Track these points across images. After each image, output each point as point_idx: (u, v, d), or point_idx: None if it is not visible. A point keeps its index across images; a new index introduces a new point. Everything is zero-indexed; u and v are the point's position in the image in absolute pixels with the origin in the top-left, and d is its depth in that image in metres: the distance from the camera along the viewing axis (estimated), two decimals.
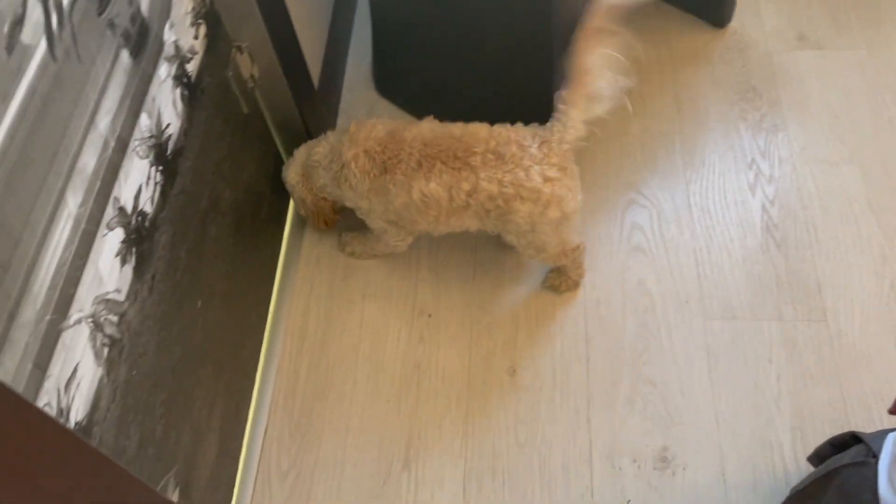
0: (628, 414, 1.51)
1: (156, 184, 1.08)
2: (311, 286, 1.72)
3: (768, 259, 1.68)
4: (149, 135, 1.06)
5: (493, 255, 1.72)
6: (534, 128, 1.39)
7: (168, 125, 1.12)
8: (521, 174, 1.32)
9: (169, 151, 1.13)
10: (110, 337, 0.95)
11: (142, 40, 1.05)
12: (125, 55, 0.99)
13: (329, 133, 1.53)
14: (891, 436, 1.00)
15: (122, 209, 0.98)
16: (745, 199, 1.78)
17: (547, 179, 1.33)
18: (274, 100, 1.59)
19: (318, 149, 1.50)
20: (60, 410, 0.84)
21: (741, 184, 1.80)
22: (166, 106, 1.12)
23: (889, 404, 1.10)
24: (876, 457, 0.99)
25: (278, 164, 1.72)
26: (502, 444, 1.49)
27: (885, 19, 2.08)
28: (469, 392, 1.56)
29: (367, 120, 1.44)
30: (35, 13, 0.80)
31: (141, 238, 1.04)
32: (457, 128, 1.39)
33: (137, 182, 1.03)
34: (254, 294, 1.56)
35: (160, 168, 1.10)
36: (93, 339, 0.91)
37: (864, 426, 1.45)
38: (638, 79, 1.98)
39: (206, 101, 1.27)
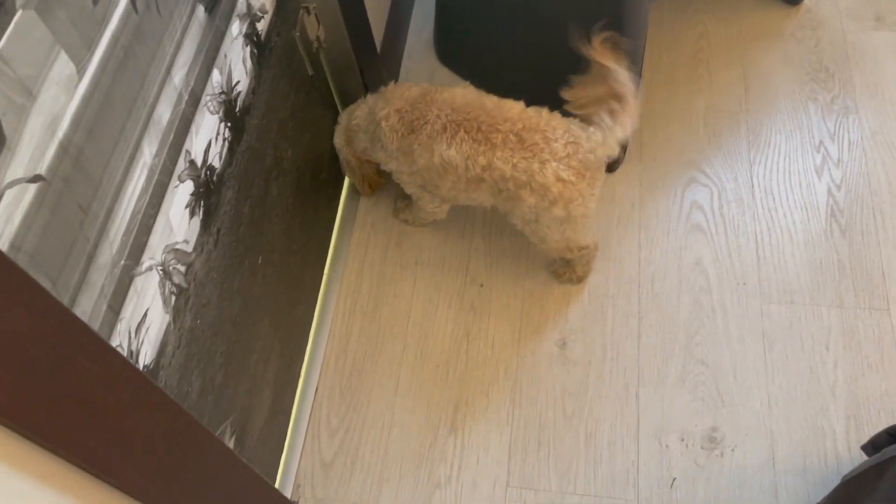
0: (678, 392, 1.50)
1: (224, 139, 1.11)
2: (366, 250, 1.73)
3: (831, 244, 1.64)
4: (220, 91, 1.08)
5: None
6: (571, 122, 1.34)
7: (238, 82, 1.14)
8: (536, 165, 1.30)
9: (238, 108, 1.15)
10: (177, 286, 0.98)
11: None
12: (200, 10, 1.01)
13: (368, 96, 1.53)
14: None
15: (192, 162, 1.01)
16: (810, 182, 1.73)
17: (559, 179, 1.30)
18: (337, 63, 1.60)
19: (358, 112, 1.50)
20: (131, 352, 0.87)
21: (807, 166, 1.76)
22: (236, 63, 1.14)
23: None
24: None
25: None
26: (549, 416, 1.50)
27: None
28: (518, 362, 1.56)
29: (403, 82, 1.46)
30: None
31: (209, 192, 1.06)
32: (490, 100, 1.37)
33: (207, 137, 1.05)
34: (310, 254, 1.58)
35: (229, 124, 1.12)
36: (162, 286, 0.94)
37: None
38: (707, 55, 1.95)
39: (274, 61, 1.29)
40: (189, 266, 1.01)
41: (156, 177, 0.91)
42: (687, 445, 1.44)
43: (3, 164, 0.65)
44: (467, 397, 1.53)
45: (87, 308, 0.78)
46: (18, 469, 0.68)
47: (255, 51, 1.21)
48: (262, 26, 1.23)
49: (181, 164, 0.98)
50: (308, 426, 1.52)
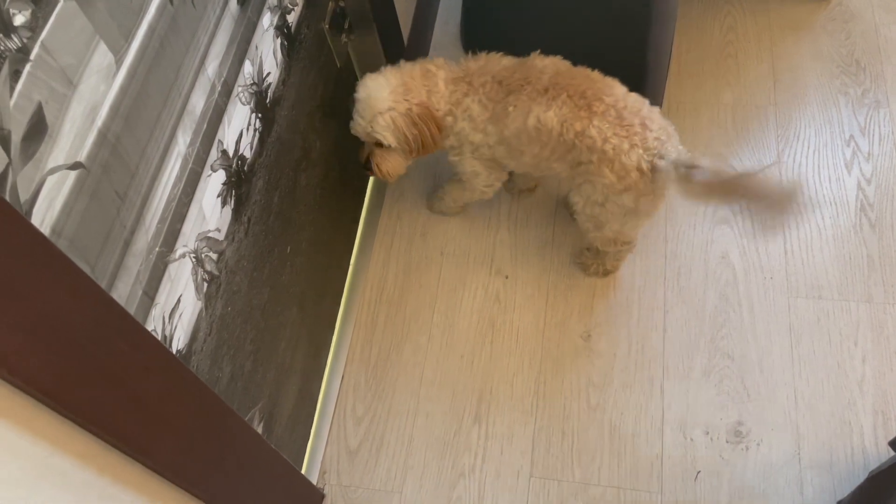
0: (703, 386, 1.49)
1: (255, 130, 1.12)
2: (392, 240, 1.75)
3: (860, 239, 1.63)
4: (251, 82, 1.09)
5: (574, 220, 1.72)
6: (670, 123, 1.34)
7: (268, 73, 1.16)
8: (626, 146, 1.28)
9: (268, 99, 1.16)
10: (209, 273, 1.00)
11: None
12: (233, 2, 1.03)
13: (421, 63, 1.45)
14: None
15: (224, 152, 1.02)
16: (840, 177, 1.72)
17: (640, 169, 1.29)
18: (365, 55, 1.61)
19: (416, 79, 1.41)
20: (165, 337, 0.89)
21: (837, 160, 1.74)
22: (267, 55, 1.15)
23: None
24: None
25: None
26: (573, 407, 1.50)
27: None
28: (542, 353, 1.57)
29: (483, 55, 1.45)
30: None
31: (240, 181, 1.08)
32: (595, 72, 1.37)
33: (239, 127, 1.07)
34: (337, 244, 1.60)
35: (259, 115, 1.13)
36: (195, 273, 0.96)
37: None
38: (735, 48, 1.94)
39: (303, 53, 1.30)
40: (220, 254, 1.03)
41: (189, 166, 0.93)
42: (712, 439, 1.44)
43: (46, 152, 0.67)
44: (491, 387, 1.54)
45: (123, 293, 0.80)
46: (59, 448, 0.70)
47: (286, 42, 1.22)
48: (292, 18, 1.24)
49: (214, 154, 0.99)
50: (334, 414, 1.54)
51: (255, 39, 1.11)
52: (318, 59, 1.38)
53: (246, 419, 1.14)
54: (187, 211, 0.93)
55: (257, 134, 1.13)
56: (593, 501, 1.41)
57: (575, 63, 1.39)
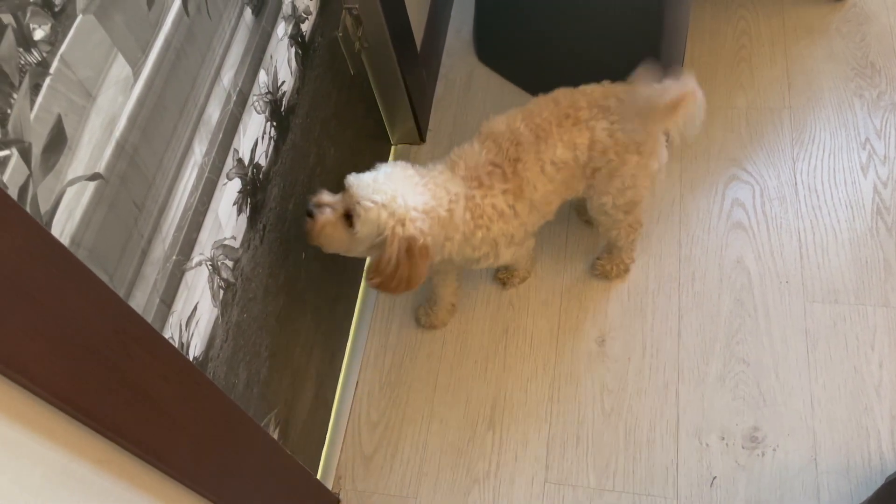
0: (718, 391, 1.49)
1: (270, 138, 1.13)
2: None
3: (877, 243, 1.62)
4: (266, 91, 1.11)
5: (587, 224, 1.72)
6: (617, 84, 1.34)
7: (283, 82, 1.17)
8: (629, 126, 1.30)
9: (283, 107, 1.17)
10: (225, 280, 1.01)
11: None
12: (248, 13, 1.04)
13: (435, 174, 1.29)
14: None
15: (240, 161, 1.04)
16: (855, 180, 1.71)
17: (649, 132, 1.32)
18: (379, 62, 1.63)
19: (416, 197, 1.21)
20: (181, 344, 0.90)
21: (853, 163, 1.73)
22: (282, 64, 1.16)
23: None
24: None
25: (379, 125, 1.76)
26: (588, 412, 1.50)
27: None
28: (556, 358, 1.57)
29: (458, 152, 1.34)
30: None
31: (255, 189, 1.09)
32: (543, 99, 1.35)
33: (254, 136, 1.08)
34: None
35: (274, 123, 1.14)
36: (211, 281, 0.97)
37: None
38: (749, 51, 1.93)
39: (317, 61, 1.31)
40: (236, 261, 1.04)
41: (206, 175, 0.94)
42: (727, 444, 1.44)
43: (65, 163, 0.68)
44: (506, 393, 1.54)
45: (141, 301, 0.81)
46: (77, 454, 0.71)
47: (300, 51, 1.23)
48: (306, 28, 1.26)
49: (229, 163, 1.00)
50: (349, 420, 1.55)
51: (270, 49, 1.12)
52: (332, 67, 1.39)
53: (262, 425, 1.15)
54: (203, 219, 0.94)
55: (272, 142, 1.14)
56: None
57: (591, 68, 1.39)
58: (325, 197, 1.23)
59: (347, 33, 1.45)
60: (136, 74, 0.78)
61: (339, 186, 1.45)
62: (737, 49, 1.94)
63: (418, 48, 1.81)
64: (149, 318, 0.82)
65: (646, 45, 1.56)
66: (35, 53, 0.64)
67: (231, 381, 1.05)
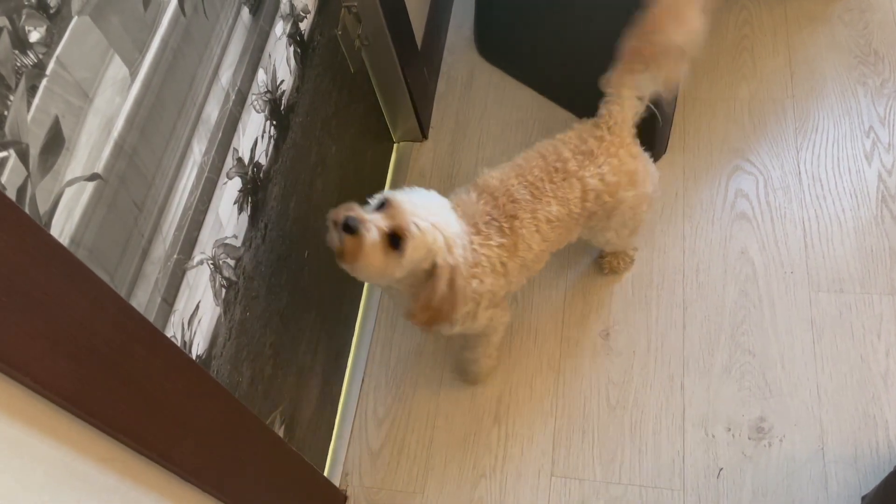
0: (724, 382, 1.49)
1: (270, 137, 1.14)
2: None
3: (882, 231, 1.61)
4: (265, 90, 1.11)
5: None
6: (587, 122, 1.32)
7: (282, 81, 1.17)
8: (615, 161, 1.28)
9: (282, 106, 1.18)
10: (227, 279, 1.02)
11: None
12: (245, 12, 1.04)
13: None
14: None
15: (240, 160, 1.04)
16: (860, 168, 1.70)
17: (633, 156, 1.30)
18: (379, 60, 1.63)
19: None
20: (184, 343, 0.91)
21: (857, 152, 1.72)
22: (281, 62, 1.17)
23: None
24: None
25: (381, 122, 1.76)
26: (593, 406, 1.50)
27: None
28: (561, 353, 1.57)
29: (454, 199, 1.25)
30: None
31: (256, 188, 1.10)
32: (530, 154, 1.30)
33: (254, 135, 1.08)
34: None
35: (274, 122, 1.15)
36: (213, 279, 0.97)
37: None
38: (751, 41, 1.93)
39: (317, 60, 1.32)
40: (238, 260, 1.05)
41: (205, 174, 0.95)
42: (734, 436, 1.43)
43: (63, 164, 0.68)
44: (511, 388, 1.55)
45: (142, 300, 0.81)
46: (81, 452, 0.71)
47: (299, 50, 1.24)
48: (304, 26, 1.26)
49: (229, 162, 1.01)
50: (355, 416, 1.56)
51: (269, 48, 1.12)
52: (332, 65, 1.40)
53: (267, 422, 1.16)
54: (204, 218, 0.95)
55: (272, 141, 1.15)
56: (615, 500, 1.41)
57: (591, 63, 1.39)
58: (362, 212, 1.09)
59: (347, 31, 1.45)
60: (134, 75, 0.79)
61: (341, 184, 1.46)
62: (739, 39, 1.93)
63: (419, 45, 1.81)
64: (150, 317, 0.83)
65: None
66: (31, 55, 0.64)
67: (235, 379, 1.05)
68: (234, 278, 1.04)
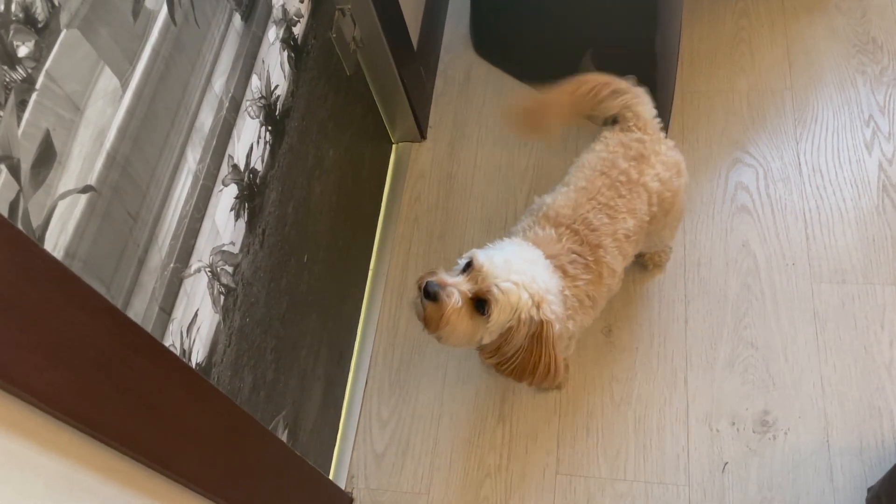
0: (728, 376, 1.48)
1: (265, 143, 1.14)
2: (410, 244, 1.76)
3: (884, 221, 1.60)
4: (259, 95, 1.11)
5: None
6: (614, 128, 1.32)
7: (276, 86, 1.17)
8: (663, 158, 1.28)
9: (277, 112, 1.18)
10: (226, 286, 1.02)
11: (252, 4, 1.09)
12: (237, 19, 1.04)
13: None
14: None
15: (235, 166, 1.04)
16: (860, 158, 1.69)
17: (670, 148, 1.31)
18: (375, 61, 1.63)
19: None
20: (183, 351, 0.91)
21: (857, 142, 1.71)
22: (274, 68, 1.17)
23: None
24: None
25: (379, 124, 1.76)
26: (597, 403, 1.50)
27: None
28: None
29: (532, 238, 1.23)
30: None
31: (252, 194, 1.10)
32: (587, 172, 1.27)
33: (249, 141, 1.08)
34: (355, 250, 1.62)
35: (269, 128, 1.15)
36: (211, 287, 0.98)
37: None
38: (748, 33, 1.92)
39: (311, 64, 1.32)
40: (236, 267, 1.05)
41: (200, 182, 0.95)
42: (738, 429, 1.43)
43: (55, 177, 0.69)
44: (514, 386, 1.54)
45: (140, 310, 0.82)
46: (82, 464, 0.72)
47: (293, 54, 1.24)
48: (298, 30, 1.26)
49: (224, 169, 1.01)
50: (359, 418, 1.56)
51: (262, 54, 1.12)
52: (327, 68, 1.40)
53: (269, 428, 1.16)
54: (200, 226, 0.95)
55: (268, 146, 1.15)
56: (620, 497, 1.41)
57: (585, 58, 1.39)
58: (446, 277, 1.07)
59: (341, 34, 1.45)
60: (125, 86, 0.79)
61: (339, 187, 1.46)
62: (736, 31, 1.92)
63: (415, 45, 1.80)
64: (148, 327, 0.83)
65: (642, 34, 1.55)
66: (20, 70, 0.64)
67: (236, 386, 1.06)
68: (232, 285, 1.04)
